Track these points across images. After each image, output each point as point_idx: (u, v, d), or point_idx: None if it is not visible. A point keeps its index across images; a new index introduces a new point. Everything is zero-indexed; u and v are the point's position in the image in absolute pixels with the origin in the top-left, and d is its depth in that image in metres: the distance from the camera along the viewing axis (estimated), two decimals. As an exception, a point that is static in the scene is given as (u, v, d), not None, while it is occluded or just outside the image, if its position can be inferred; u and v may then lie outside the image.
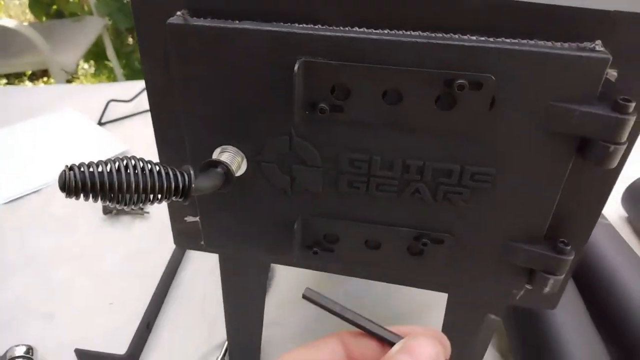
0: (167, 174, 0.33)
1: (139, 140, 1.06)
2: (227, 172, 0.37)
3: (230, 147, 0.39)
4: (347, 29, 0.33)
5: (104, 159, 0.33)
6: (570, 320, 0.57)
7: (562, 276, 0.39)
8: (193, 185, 0.34)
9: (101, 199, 0.32)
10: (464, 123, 0.34)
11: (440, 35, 0.32)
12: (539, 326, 0.58)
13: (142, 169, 0.32)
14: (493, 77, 0.32)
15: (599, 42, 0.31)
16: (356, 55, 0.33)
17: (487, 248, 0.40)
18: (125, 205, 0.33)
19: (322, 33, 0.33)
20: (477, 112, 0.33)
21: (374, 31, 0.33)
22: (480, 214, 0.38)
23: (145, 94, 1.16)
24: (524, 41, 0.32)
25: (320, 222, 0.42)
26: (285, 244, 0.43)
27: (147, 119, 1.19)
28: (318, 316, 0.69)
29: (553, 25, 0.31)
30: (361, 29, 0.33)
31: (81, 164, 0.32)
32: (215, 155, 0.40)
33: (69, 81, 2.50)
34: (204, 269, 0.77)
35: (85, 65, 3.17)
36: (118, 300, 0.71)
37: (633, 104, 0.31)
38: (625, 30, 0.30)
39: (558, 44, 0.31)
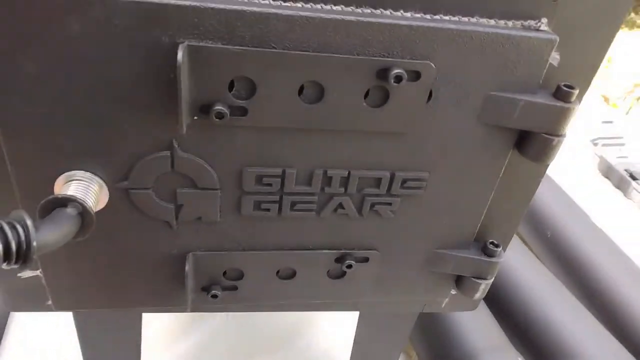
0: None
1: None
2: (83, 211, 0.25)
3: (80, 173, 0.27)
4: (248, 0, 0.24)
5: None
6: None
7: (492, 279, 0.36)
8: (34, 243, 0.22)
9: None
10: (397, 121, 0.28)
11: (369, 11, 0.25)
12: (439, 323, 0.57)
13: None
14: (433, 65, 0.26)
15: (544, 20, 0.27)
16: (264, 37, 0.24)
17: (415, 260, 0.35)
18: None
19: (215, 6, 0.23)
20: (413, 107, 0.27)
21: (282, 3, 0.25)
22: (409, 224, 0.33)
23: None
24: (465, 19, 0.26)
25: (218, 258, 0.32)
26: (174, 290, 0.33)
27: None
28: None
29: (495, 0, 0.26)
30: (266, 1, 0.24)
31: None
32: (58, 187, 0.27)
33: None
34: (44, 318, 0.61)
35: None
36: None
37: (576, 91, 0.28)
38: (571, 5, 0.27)
39: (502, 22, 0.27)
